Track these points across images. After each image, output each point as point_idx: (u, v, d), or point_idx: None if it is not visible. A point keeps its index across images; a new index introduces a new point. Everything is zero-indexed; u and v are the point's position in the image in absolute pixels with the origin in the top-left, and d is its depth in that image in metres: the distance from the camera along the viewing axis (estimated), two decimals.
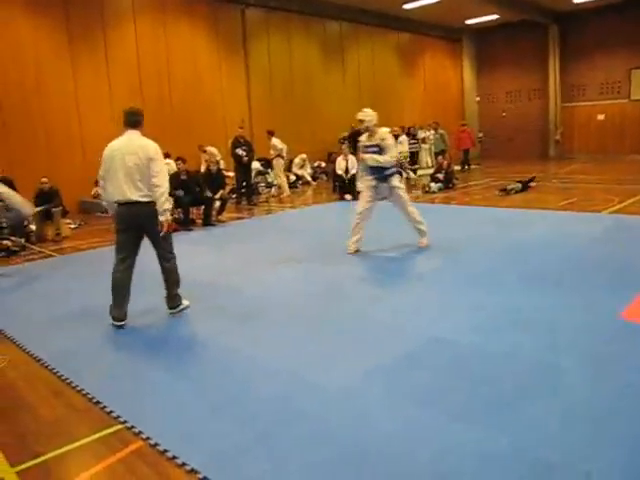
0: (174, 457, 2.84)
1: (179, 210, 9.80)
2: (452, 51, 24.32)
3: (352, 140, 14.18)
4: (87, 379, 3.82)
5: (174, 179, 8.33)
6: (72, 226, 10.75)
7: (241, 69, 16.30)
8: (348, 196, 12.77)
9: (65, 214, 10.55)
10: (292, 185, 16.06)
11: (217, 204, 10.54)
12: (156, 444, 2.97)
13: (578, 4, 19.57)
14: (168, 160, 10.09)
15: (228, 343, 4.38)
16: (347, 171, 12.97)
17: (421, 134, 18.99)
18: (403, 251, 7.19)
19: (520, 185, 12.44)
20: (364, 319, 4.74)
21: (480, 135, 20.65)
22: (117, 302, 4.88)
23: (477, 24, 22.33)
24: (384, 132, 7.16)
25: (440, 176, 13.71)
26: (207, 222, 10.12)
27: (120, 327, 4.84)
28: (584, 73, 21.75)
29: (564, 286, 5.30)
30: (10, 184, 8.91)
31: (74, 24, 12.76)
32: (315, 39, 18.41)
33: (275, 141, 13.93)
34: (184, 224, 9.69)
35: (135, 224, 4.84)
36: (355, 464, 2.69)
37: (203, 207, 10.13)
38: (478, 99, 24.81)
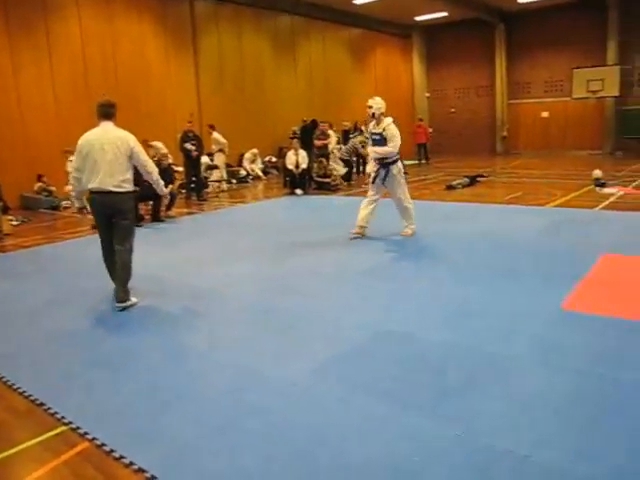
0: (121, 457, 2.78)
1: None
2: (402, 47, 24.60)
3: (303, 134, 14.20)
4: (28, 381, 3.69)
5: None
6: (14, 223, 10.36)
7: (190, 63, 16.03)
8: (299, 191, 12.77)
9: (6, 210, 10.16)
10: (242, 180, 15.96)
11: (166, 199, 10.35)
12: (103, 444, 2.89)
13: (523, 4, 20.10)
14: None
15: (178, 339, 4.32)
16: (297, 166, 12.95)
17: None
18: (354, 245, 7.24)
19: (467, 180, 12.73)
20: (315, 313, 4.75)
21: (430, 130, 21.07)
22: (115, 284, 5.10)
23: (427, 21, 22.65)
24: (387, 121, 7.27)
25: None
26: (156, 218, 9.92)
27: (122, 309, 4.99)
28: (529, 71, 22.41)
29: (509, 277, 5.45)
30: None
31: (13, 17, 12.21)
32: (266, 33, 18.27)
33: (217, 135, 13.85)
34: None
35: (106, 212, 5.02)
36: (309, 456, 2.70)
37: (152, 202, 9.94)
38: (428, 95, 25.19)
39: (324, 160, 14.01)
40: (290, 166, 13.07)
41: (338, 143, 15.78)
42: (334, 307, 4.90)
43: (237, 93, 17.20)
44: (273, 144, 17.94)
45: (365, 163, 15.87)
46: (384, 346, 3.98)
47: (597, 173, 11.63)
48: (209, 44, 16.51)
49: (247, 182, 15.93)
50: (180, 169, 12.70)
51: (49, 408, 3.30)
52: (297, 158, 12.96)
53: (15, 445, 2.97)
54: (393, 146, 7.18)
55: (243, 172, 16.29)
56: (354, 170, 15.46)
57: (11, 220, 10.29)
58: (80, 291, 5.67)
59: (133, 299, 5.10)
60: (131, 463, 2.72)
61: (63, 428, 3.09)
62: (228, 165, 16.01)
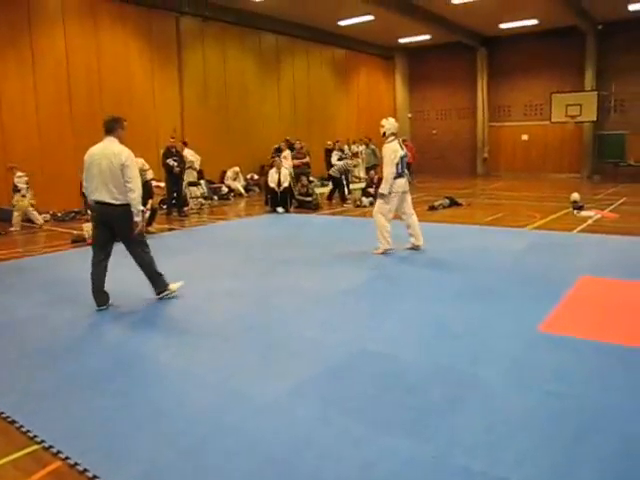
0: (95, 477, 2.72)
1: None
2: (385, 68, 24.88)
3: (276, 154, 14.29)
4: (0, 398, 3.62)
5: None
6: None
7: (175, 79, 16.04)
8: (280, 209, 12.77)
9: None
10: (224, 197, 15.94)
11: (146, 215, 10.29)
12: (76, 464, 2.84)
13: (504, 29, 20.51)
14: None
15: (156, 357, 4.27)
16: (279, 184, 12.97)
17: (354, 149, 19.34)
18: (336, 263, 7.26)
19: (448, 201, 12.88)
20: (295, 332, 4.73)
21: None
22: (93, 290, 5.43)
23: (410, 43, 22.97)
24: (387, 142, 7.58)
25: (371, 190, 13.91)
26: None
27: (101, 310, 5.40)
28: (509, 95, 22.80)
29: (488, 299, 5.49)
30: None
31: None
32: (251, 51, 18.37)
33: (187, 152, 13.84)
34: None
35: (105, 222, 5.40)
36: (286, 476, 2.68)
37: None
38: (410, 116, 25.47)
39: (304, 178, 14.06)
40: (272, 184, 13.08)
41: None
42: (314, 326, 4.89)
43: (221, 110, 17.22)
44: (255, 162, 17.95)
45: (349, 183, 15.95)
46: (363, 366, 3.97)
47: (575, 196, 11.81)
48: (194, 61, 16.54)
49: (229, 199, 15.91)
50: (162, 184, 12.63)
51: (21, 426, 3.24)
52: (279, 176, 12.98)
53: None
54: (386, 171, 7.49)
55: (225, 189, 16.27)
56: (345, 189, 15.25)
57: None
58: (56, 306, 5.60)
59: (172, 286, 5.75)
60: None
61: (35, 447, 3.03)
62: (210, 182, 15.99)
